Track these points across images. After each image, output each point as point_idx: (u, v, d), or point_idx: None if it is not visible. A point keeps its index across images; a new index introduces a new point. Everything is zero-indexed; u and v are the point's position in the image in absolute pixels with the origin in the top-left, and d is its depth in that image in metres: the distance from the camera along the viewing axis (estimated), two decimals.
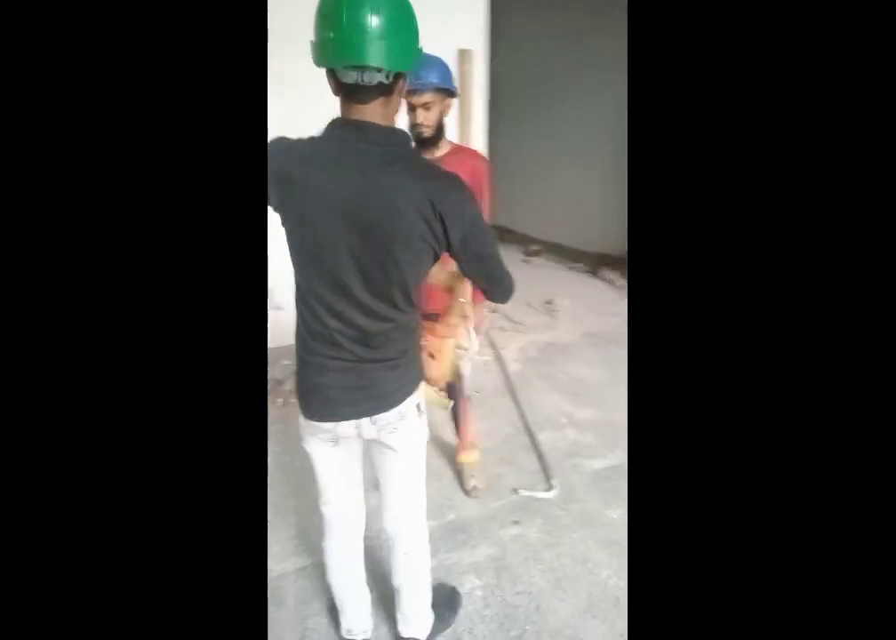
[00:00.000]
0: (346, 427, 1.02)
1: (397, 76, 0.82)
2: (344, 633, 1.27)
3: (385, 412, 1.00)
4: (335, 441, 1.04)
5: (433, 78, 1.37)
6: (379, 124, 0.85)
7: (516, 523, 1.75)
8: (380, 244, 0.86)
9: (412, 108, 1.40)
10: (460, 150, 1.56)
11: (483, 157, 1.61)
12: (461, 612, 1.42)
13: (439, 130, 1.46)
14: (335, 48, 0.77)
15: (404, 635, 1.26)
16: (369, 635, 1.29)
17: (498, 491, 1.90)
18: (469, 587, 1.51)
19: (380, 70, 0.78)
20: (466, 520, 1.77)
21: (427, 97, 1.37)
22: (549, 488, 1.90)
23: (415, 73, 1.36)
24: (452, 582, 1.51)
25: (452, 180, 0.89)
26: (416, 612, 1.24)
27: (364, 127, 0.84)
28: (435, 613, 1.32)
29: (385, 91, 0.83)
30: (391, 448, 1.08)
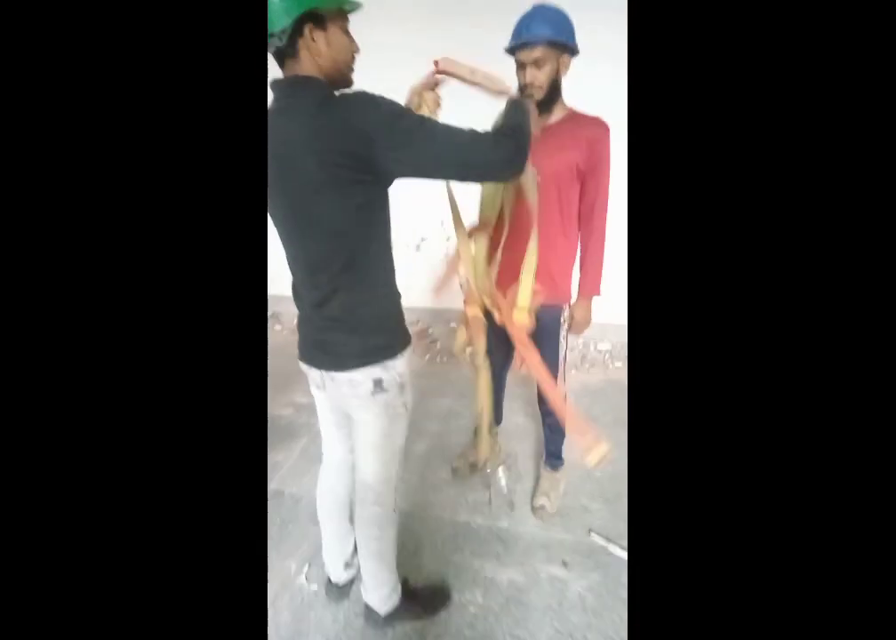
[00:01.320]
0: (315, 374, 1.03)
1: (294, 30, 0.77)
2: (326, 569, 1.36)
3: (334, 371, 0.98)
4: (315, 384, 1.08)
5: (544, 30, 1.15)
6: (287, 76, 0.83)
7: (564, 564, 1.47)
8: (294, 194, 0.83)
9: (521, 66, 1.21)
10: (576, 117, 1.29)
11: (604, 127, 1.28)
12: (442, 615, 1.31)
13: (554, 92, 1.24)
14: None
15: (365, 599, 1.25)
16: (341, 583, 1.33)
17: (572, 523, 1.61)
18: (467, 598, 1.36)
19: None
20: (514, 535, 1.57)
21: (537, 52, 1.16)
22: None
23: (525, 24, 1.18)
24: (456, 584, 1.40)
25: (351, 97, 0.79)
26: (373, 582, 1.20)
27: (274, 84, 0.84)
28: (407, 599, 1.26)
29: (287, 52, 0.80)
30: (346, 411, 1.06)
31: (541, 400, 1.61)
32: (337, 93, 0.81)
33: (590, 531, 1.57)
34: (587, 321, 1.45)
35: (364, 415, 1.02)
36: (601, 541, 1.53)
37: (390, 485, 1.12)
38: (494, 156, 0.82)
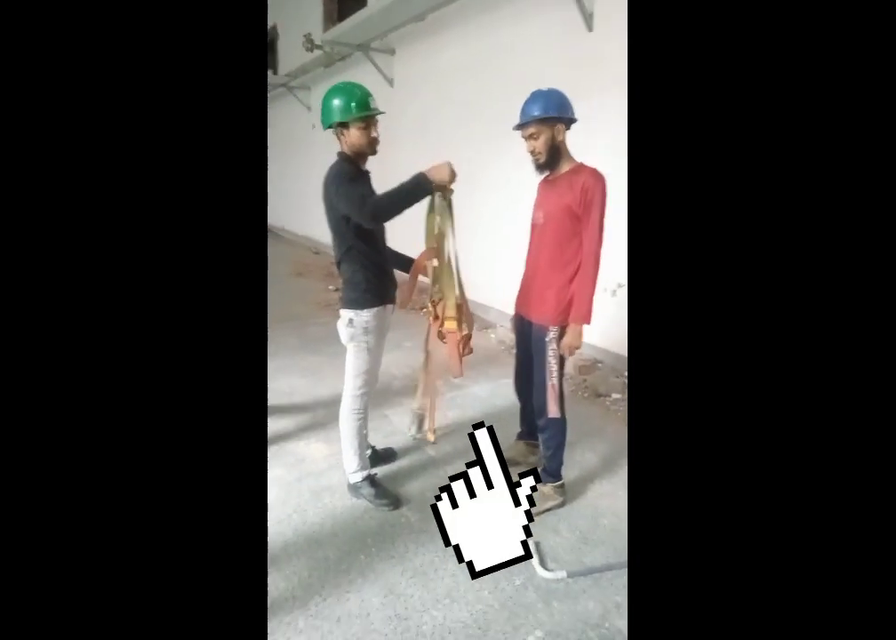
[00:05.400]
0: None
1: (337, 127, 1.56)
2: None
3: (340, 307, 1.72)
4: None
5: (534, 111, 1.53)
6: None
7: None
8: (325, 212, 1.61)
9: (524, 139, 1.61)
10: (577, 170, 1.57)
11: (597, 176, 1.52)
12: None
13: (554, 154, 1.58)
14: None
15: None
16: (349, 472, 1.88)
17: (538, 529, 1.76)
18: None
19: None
20: None
21: (530, 129, 1.56)
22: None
23: (522, 108, 1.58)
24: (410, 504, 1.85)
25: (328, 171, 1.54)
26: (344, 456, 1.83)
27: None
28: (369, 484, 1.82)
29: (337, 134, 1.58)
30: None
31: (539, 415, 1.82)
32: (359, 164, 1.61)
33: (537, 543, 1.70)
34: (572, 346, 1.64)
35: (342, 339, 1.72)
36: (532, 548, 1.65)
37: (351, 394, 1.76)
38: (356, 214, 1.51)
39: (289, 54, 7.25)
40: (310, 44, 5.24)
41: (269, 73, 7.58)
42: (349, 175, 1.55)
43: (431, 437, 2.08)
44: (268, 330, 3.70)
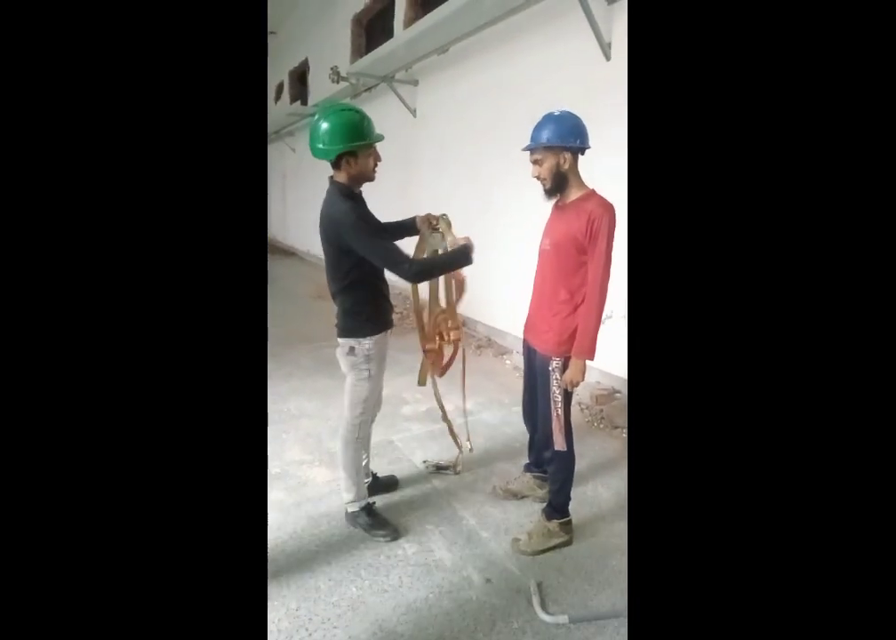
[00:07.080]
0: None
1: (337, 158, 1.49)
2: None
3: (338, 337, 1.68)
4: None
5: (542, 138, 1.50)
6: (332, 176, 1.56)
7: (487, 580, 1.60)
8: (322, 243, 1.59)
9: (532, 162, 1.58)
10: (586, 198, 1.53)
11: (605, 206, 1.46)
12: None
13: (559, 180, 1.54)
14: None
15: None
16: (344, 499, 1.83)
17: (545, 568, 1.67)
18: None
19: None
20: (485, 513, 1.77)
21: (536, 154, 1.53)
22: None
23: (532, 133, 1.55)
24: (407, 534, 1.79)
25: (330, 206, 1.49)
26: (342, 485, 1.78)
27: (329, 178, 1.59)
28: (366, 514, 1.77)
29: (333, 166, 1.53)
30: None
31: (546, 446, 1.75)
32: (356, 190, 1.58)
33: (538, 585, 1.61)
34: (573, 380, 1.57)
35: (343, 368, 1.69)
36: (533, 588, 1.56)
37: (350, 423, 1.72)
38: (395, 268, 1.47)
39: (318, 86, 7.55)
40: (336, 76, 5.43)
41: (298, 104, 7.89)
42: (366, 217, 1.53)
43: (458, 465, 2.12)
44: (285, 351, 3.81)
